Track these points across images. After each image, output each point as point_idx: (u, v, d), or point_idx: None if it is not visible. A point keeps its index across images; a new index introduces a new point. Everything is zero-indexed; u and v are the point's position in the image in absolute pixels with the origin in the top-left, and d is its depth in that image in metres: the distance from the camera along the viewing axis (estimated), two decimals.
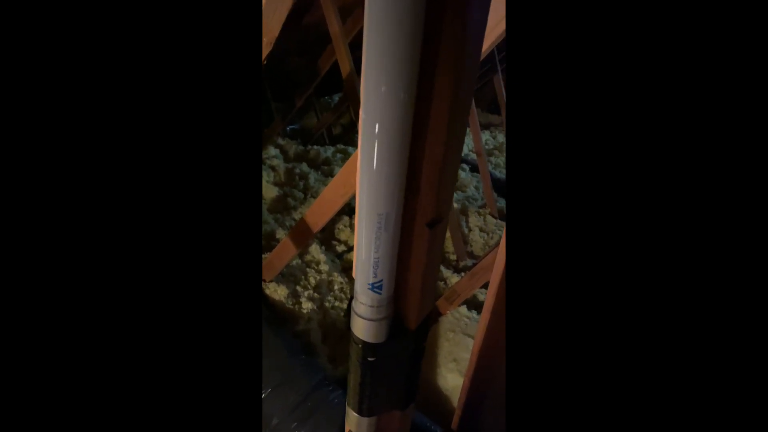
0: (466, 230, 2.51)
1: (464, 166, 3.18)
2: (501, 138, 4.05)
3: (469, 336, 1.66)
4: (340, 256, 2.13)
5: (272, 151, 2.81)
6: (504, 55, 3.00)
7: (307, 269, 1.90)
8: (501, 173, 3.37)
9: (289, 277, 1.82)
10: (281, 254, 1.48)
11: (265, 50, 1.02)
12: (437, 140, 0.33)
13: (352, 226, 2.30)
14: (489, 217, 2.64)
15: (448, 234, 2.16)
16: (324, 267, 1.93)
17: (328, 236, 2.26)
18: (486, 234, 2.51)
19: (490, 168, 2.93)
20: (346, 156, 3.01)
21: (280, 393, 1.22)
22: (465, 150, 3.34)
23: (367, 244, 0.35)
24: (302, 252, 1.97)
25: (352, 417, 0.49)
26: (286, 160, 2.83)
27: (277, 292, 1.70)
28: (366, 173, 0.33)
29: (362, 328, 0.40)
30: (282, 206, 2.33)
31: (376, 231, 0.34)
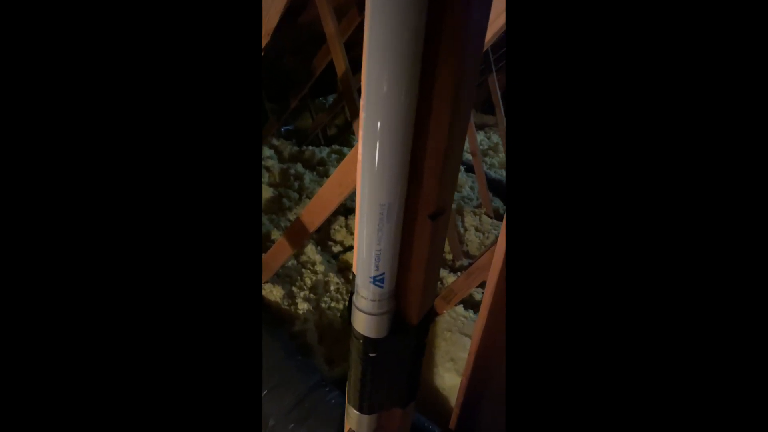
0: (462, 230, 2.52)
1: (463, 149, 3.19)
2: (496, 138, 4.06)
3: (466, 335, 1.66)
4: (335, 256, 2.12)
5: (267, 151, 2.80)
6: (499, 55, 3.01)
7: (303, 270, 1.89)
8: (496, 173, 3.38)
9: (285, 277, 1.81)
10: (277, 255, 1.47)
11: (263, 41, 1.02)
12: (440, 130, 0.33)
13: (347, 227, 2.30)
14: (485, 217, 2.64)
15: None
16: (320, 267, 1.91)
17: (323, 237, 2.25)
18: (482, 234, 2.52)
19: (485, 168, 2.94)
20: (342, 156, 3.01)
21: (277, 394, 1.20)
22: None
23: (368, 237, 0.34)
24: (298, 252, 1.96)
25: (352, 415, 0.48)
26: (281, 160, 2.82)
27: (272, 292, 1.69)
28: (368, 163, 0.32)
29: (363, 323, 0.39)
30: (277, 207, 2.32)
31: (378, 222, 0.33)
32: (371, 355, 0.41)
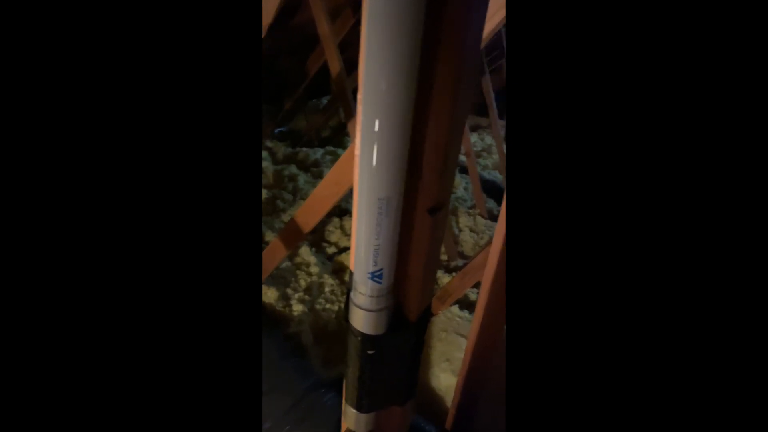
0: (456, 231, 2.52)
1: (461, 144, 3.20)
2: (489, 140, 4.08)
3: (462, 335, 1.66)
4: (330, 257, 2.11)
5: None
6: (492, 57, 3.03)
7: (297, 271, 1.88)
8: (489, 174, 3.40)
9: (279, 279, 1.80)
10: (271, 256, 1.45)
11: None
12: (440, 124, 0.33)
13: (342, 228, 2.29)
14: (479, 218, 2.65)
15: None
16: (314, 269, 1.90)
17: (318, 238, 2.24)
18: (476, 234, 2.53)
19: (478, 169, 2.95)
20: (336, 158, 3.00)
21: (273, 396, 1.19)
22: None
23: (367, 231, 0.34)
24: (292, 254, 1.95)
25: (350, 414, 0.48)
26: (275, 162, 2.81)
27: (267, 294, 1.67)
28: (366, 157, 0.32)
29: (361, 320, 0.39)
30: (271, 208, 2.31)
31: (377, 217, 0.33)
32: (369, 352, 0.41)
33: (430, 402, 1.51)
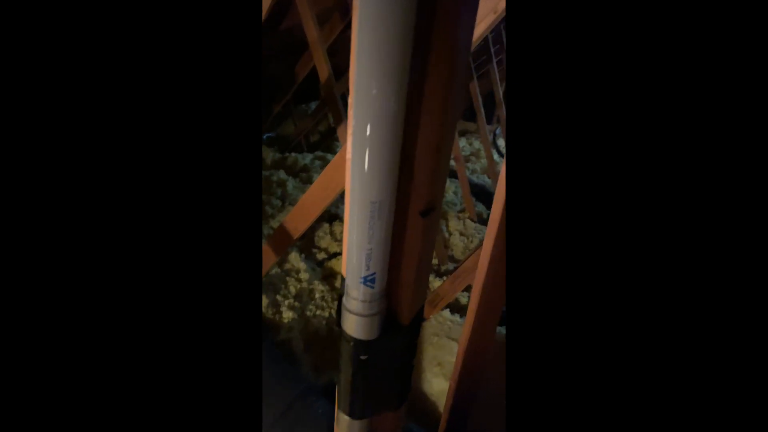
0: (446, 234, 2.53)
1: (454, 141, 3.22)
2: (477, 144, 4.13)
3: (453, 340, 1.66)
4: (320, 263, 2.10)
5: None
6: (479, 62, 3.07)
7: (287, 278, 1.86)
8: (478, 178, 3.43)
9: (269, 286, 1.77)
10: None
11: None
12: (432, 126, 0.33)
13: (332, 233, 2.28)
14: (468, 221, 2.67)
15: None
16: (304, 275, 1.89)
17: (307, 244, 2.22)
18: (466, 237, 2.54)
19: (467, 173, 2.97)
20: (325, 163, 2.99)
21: (264, 404, 1.17)
22: None
23: (359, 236, 0.34)
24: (281, 260, 1.93)
25: (342, 421, 0.47)
26: (263, 167, 2.78)
27: None
28: (358, 161, 0.32)
29: (354, 325, 0.38)
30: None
31: (369, 220, 0.33)
32: (362, 357, 0.40)
33: (423, 407, 1.50)
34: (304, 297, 1.80)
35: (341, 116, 1.77)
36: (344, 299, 0.39)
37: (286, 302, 1.71)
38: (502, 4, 0.76)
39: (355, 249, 0.34)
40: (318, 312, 1.75)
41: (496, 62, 2.96)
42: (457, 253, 2.43)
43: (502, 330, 1.61)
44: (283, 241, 1.37)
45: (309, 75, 2.42)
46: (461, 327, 1.44)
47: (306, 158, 3.03)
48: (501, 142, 4.26)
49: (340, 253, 2.13)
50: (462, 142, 4.12)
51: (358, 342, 0.39)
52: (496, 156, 3.59)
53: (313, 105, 3.51)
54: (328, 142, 3.52)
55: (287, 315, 1.65)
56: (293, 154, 3.04)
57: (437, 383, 1.55)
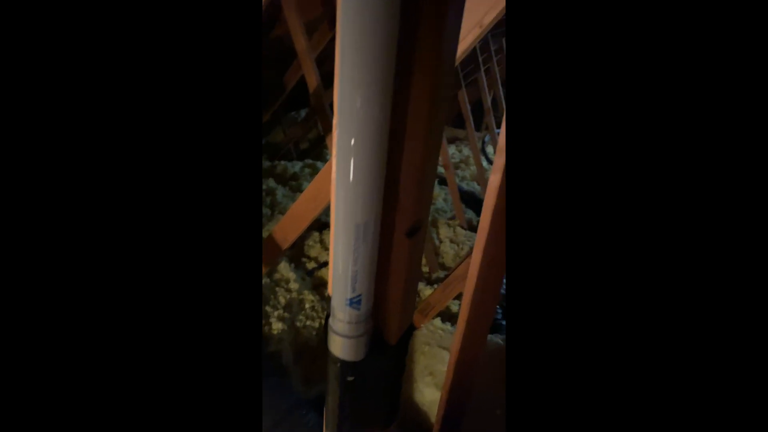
0: (437, 242, 2.53)
1: (438, 162, 3.23)
2: (467, 152, 4.16)
3: (445, 348, 1.65)
4: (310, 273, 2.08)
5: None
6: (467, 71, 3.10)
7: (277, 288, 1.84)
8: (468, 185, 3.45)
9: None
10: None
11: None
12: (416, 145, 0.32)
13: (322, 242, 2.26)
14: (458, 228, 2.68)
15: None
16: (294, 285, 1.87)
17: (297, 253, 2.20)
18: (456, 245, 2.55)
19: (457, 180, 2.99)
20: (315, 171, 2.98)
21: None
22: None
23: (344, 257, 0.33)
24: (271, 270, 1.91)
25: None
26: None
27: None
28: (342, 183, 0.31)
29: (340, 346, 0.38)
30: None
31: (354, 242, 0.32)
32: (349, 378, 0.40)
33: (415, 417, 1.49)
34: (293, 307, 1.78)
35: (330, 125, 1.77)
36: (330, 320, 0.38)
37: (276, 313, 1.69)
38: (488, 18, 0.77)
39: (341, 271, 0.34)
40: (308, 322, 1.73)
41: (484, 70, 3.00)
42: (448, 260, 2.44)
43: (493, 338, 1.61)
44: (272, 252, 1.35)
45: (299, 82, 2.42)
46: (452, 335, 1.44)
47: (295, 166, 3.02)
48: (490, 149, 4.30)
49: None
50: (451, 150, 4.15)
51: (344, 363, 0.39)
52: (485, 163, 3.62)
53: (303, 112, 3.51)
54: (318, 150, 3.51)
55: (277, 326, 1.63)
56: (282, 162, 3.03)
57: (429, 393, 1.54)
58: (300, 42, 1.69)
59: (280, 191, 2.58)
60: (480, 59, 2.88)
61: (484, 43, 2.97)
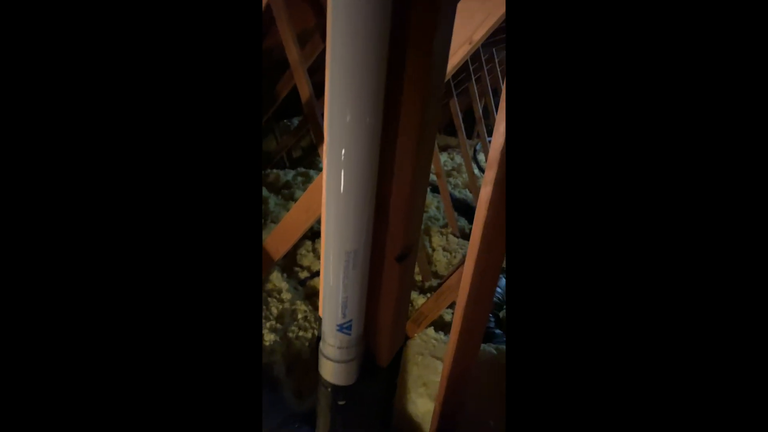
0: (429, 250, 2.54)
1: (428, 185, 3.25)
2: (459, 159, 4.19)
3: (438, 358, 1.65)
4: (303, 282, 2.07)
5: None
6: (458, 80, 3.14)
7: (269, 299, 1.82)
8: (460, 193, 3.47)
9: None
10: None
11: None
12: (405, 171, 0.33)
13: (315, 251, 2.25)
14: (451, 237, 2.68)
15: None
16: (286, 295, 1.85)
17: (289, 262, 2.19)
18: (449, 253, 2.55)
19: (449, 188, 3.00)
20: (308, 179, 2.97)
21: None
22: None
23: (334, 284, 0.33)
24: (263, 280, 1.89)
25: None
26: None
27: None
28: (333, 209, 0.31)
29: (331, 371, 0.38)
30: None
31: (344, 269, 0.32)
32: (340, 403, 0.39)
33: (408, 429, 1.48)
34: (286, 318, 1.76)
35: (323, 135, 1.77)
36: (321, 345, 0.38)
37: (268, 324, 1.67)
38: (477, 35, 0.78)
39: (331, 297, 0.34)
40: (301, 333, 1.71)
41: (475, 80, 3.03)
42: (441, 268, 2.44)
43: (485, 347, 1.61)
44: (264, 262, 1.34)
45: (291, 90, 2.42)
46: (446, 345, 1.43)
47: (288, 174, 3.01)
48: (481, 157, 4.33)
49: None
50: (443, 157, 4.18)
51: (335, 388, 0.38)
52: (476, 170, 3.64)
53: (296, 120, 3.51)
54: (311, 158, 3.51)
55: (269, 338, 1.62)
56: (275, 171, 3.02)
57: (422, 404, 1.53)
58: (292, 53, 1.70)
59: (273, 200, 2.57)
60: (471, 69, 2.91)
61: (475, 53, 3.00)
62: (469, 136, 3.11)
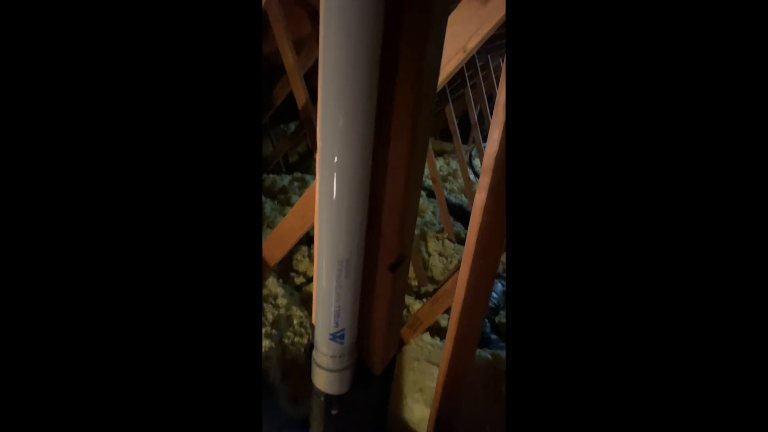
0: (425, 255, 2.54)
1: (421, 192, 3.26)
2: (454, 164, 4.20)
3: (434, 364, 1.64)
4: (298, 288, 2.06)
5: None
6: (453, 87, 3.16)
7: (264, 304, 1.81)
8: (456, 198, 3.48)
9: None
10: None
11: None
12: (398, 176, 0.33)
13: (310, 256, 2.25)
14: (447, 242, 2.69)
15: None
16: (282, 301, 1.85)
17: (285, 268, 2.18)
18: (445, 258, 2.55)
19: (445, 193, 3.01)
20: (304, 184, 2.97)
21: None
22: None
23: (327, 293, 0.33)
24: None
25: None
26: None
27: None
28: (325, 216, 0.32)
29: (324, 380, 0.38)
30: None
31: (337, 278, 0.32)
32: (334, 412, 0.39)
33: None
34: (281, 323, 1.75)
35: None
36: (314, 353, 0.38)
37: (263, 330, 1.66)
38: (471, 44, 0.79)
39: (323, 306, 0.34)
40: (296, 339, 1.71)
41: (471, 86, 3.05)
42: (436, 274, 2.44)
43: (481, 352, 1.61)
44: None
45: (287, 95, 2.43)
46: (441, 350, 1.43)
47: (284, 179, 3.01)
48: (477, 162, 4.35)
49: None
50: (439, 163, 4.20)
51: (328, 397, 0.38)
52: (472, 176, 3.66)
53: (292, 125, 3.51)
54: (308, 163, 3.51)
55: (264, 344, 1.61)
56: (271, 176, 3.01)
57: (418, 410, 1.52)
58: (288, 59, 1.71)
59: (269, 205, 2.56)
60: (466, 75, 2.94)
61: (470, 60, 3.03)
62: (465, 142, 3.13)
